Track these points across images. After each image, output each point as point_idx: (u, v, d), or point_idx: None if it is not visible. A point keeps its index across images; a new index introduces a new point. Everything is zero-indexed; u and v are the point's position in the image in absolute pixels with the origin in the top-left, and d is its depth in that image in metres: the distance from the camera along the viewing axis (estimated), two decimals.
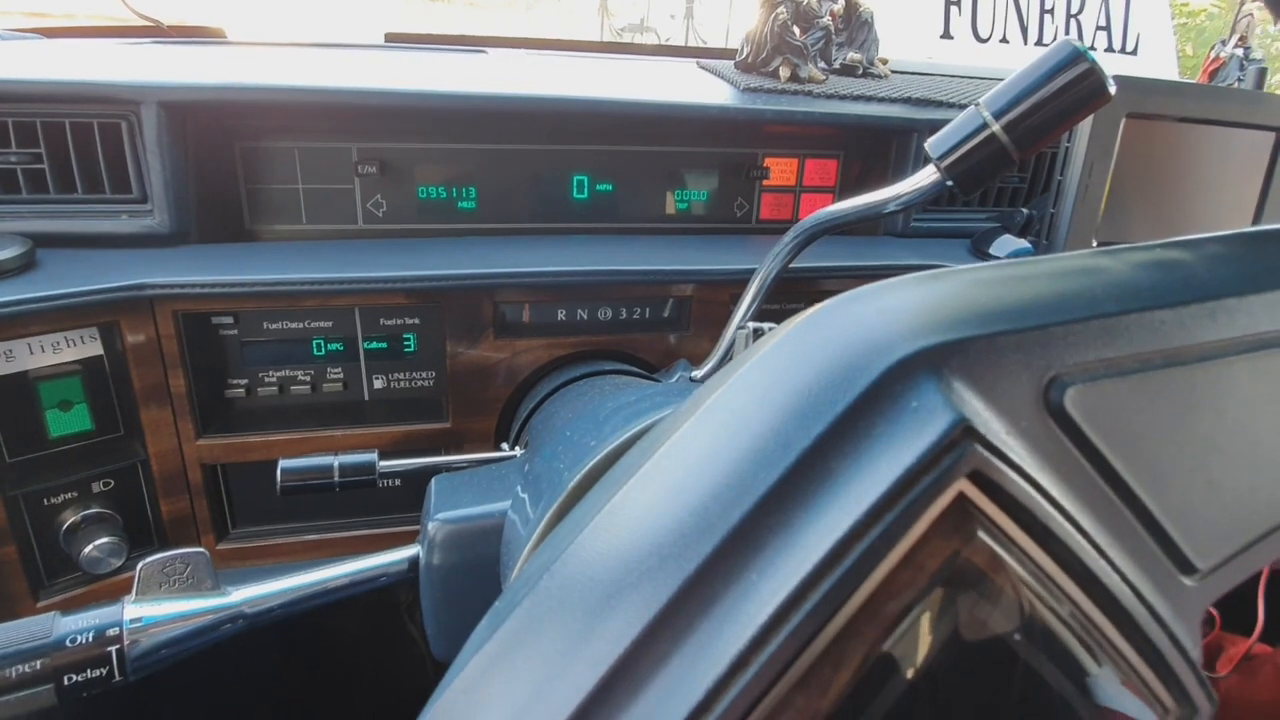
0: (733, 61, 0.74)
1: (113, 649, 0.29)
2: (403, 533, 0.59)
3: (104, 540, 0.48)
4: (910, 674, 0.15)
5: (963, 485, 0.15)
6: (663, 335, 0.60)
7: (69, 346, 0.47)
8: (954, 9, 0.90)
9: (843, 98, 0.69)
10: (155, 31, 0.83)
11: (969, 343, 0.16)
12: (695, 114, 0.65)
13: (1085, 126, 0.51)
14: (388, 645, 0.88)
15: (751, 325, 0.40)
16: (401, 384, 0.59)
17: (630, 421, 0.28)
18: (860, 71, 0.77)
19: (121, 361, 0.49)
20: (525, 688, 0.16)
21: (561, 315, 0.58)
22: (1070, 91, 0.35)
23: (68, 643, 0.29)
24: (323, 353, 0.57)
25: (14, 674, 0.27)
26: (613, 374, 0.51)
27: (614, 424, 0.29)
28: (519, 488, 0.34)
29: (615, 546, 0.16)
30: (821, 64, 0.73)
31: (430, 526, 0.34)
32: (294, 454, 0.54)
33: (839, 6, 0.78)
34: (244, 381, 0.55)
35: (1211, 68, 1.04)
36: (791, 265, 0.49)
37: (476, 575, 0.33)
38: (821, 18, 0.72)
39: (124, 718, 0.56)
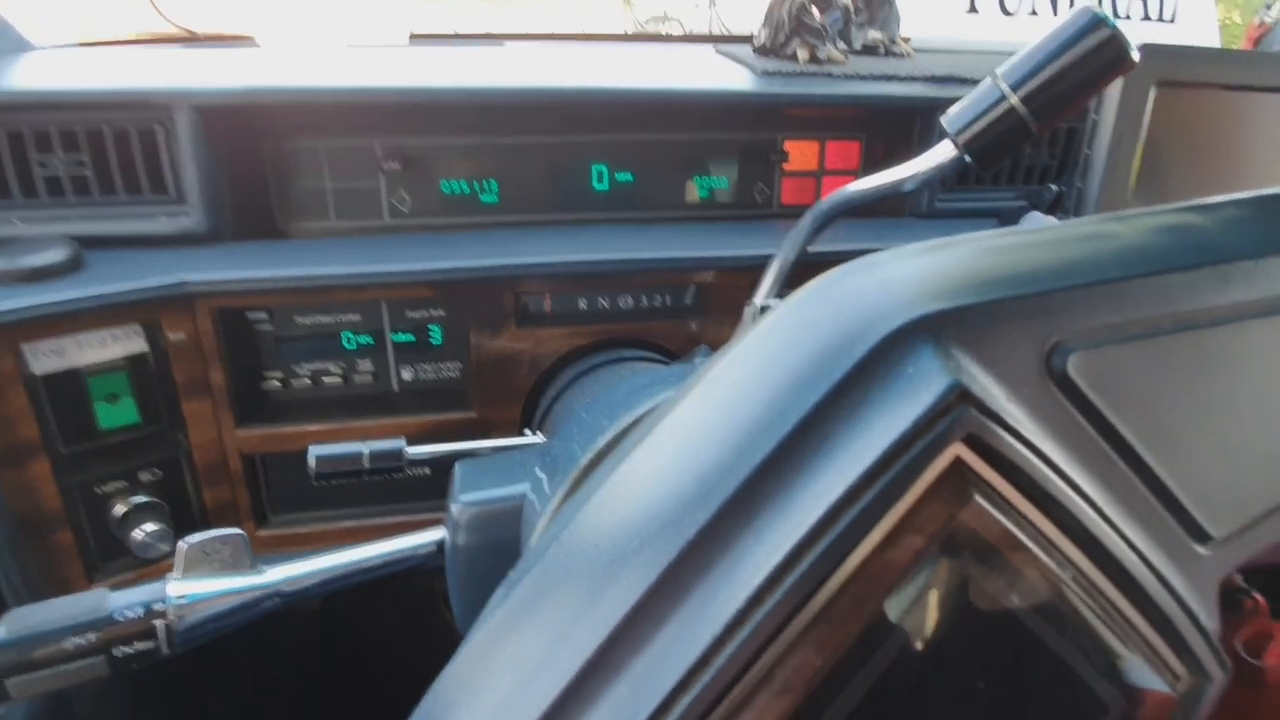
0: (750, 46, 0.74)
1: (159, 623, 0.31)
2: (432, 519, 0.60)
3: (152, 527, 0.50)
4: (908, 637, 0.15)
5: (959, 449, 0.15)
6: (684, 322, 0.60)
7: (115, 343, 0.50)
8: None
9: (863, 78, 0.68)
10: (187, 39, 0.85)
11: (967, 310, 0.16)
12: (713, 100, 0.64)
13: (1113, 97, 0.49)
14: (425, 633, 0.91)
15: (759, 303, 0.40)
16: (429, 375, 0.60)
17: (642, 400, 0.29)
18: (882, 51, 0.76)
19: (164, 356, 0.51)
20: (534, 650, 0.16)
21: (583, 304, 0.59)
22: (1090, 60, 0.34)
23: (117, 617, 0.30)
24: (353, 345, 0.58)
25: (71, 645, 0.29)
26: (633, 361, 0.52)
27: (628, 405, 0.30)
28: (538, 470, 0.35)
29: (619, 515, 0.17)
30: (841, 45, 0.72)
31: (454, 509, 0.35)
32: (328, 443, 0.56)
33: None
34: (279, 374, 0.57)
35: (1256, 34, 1.00)
36: (812, 249, 0.49)
37: (500, 555, 0.34)
38: None
39: (173, 692, 0.59)
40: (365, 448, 0.44)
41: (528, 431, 0.52)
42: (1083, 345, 0.17)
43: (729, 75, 0.69)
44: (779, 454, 0.15)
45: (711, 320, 0.60)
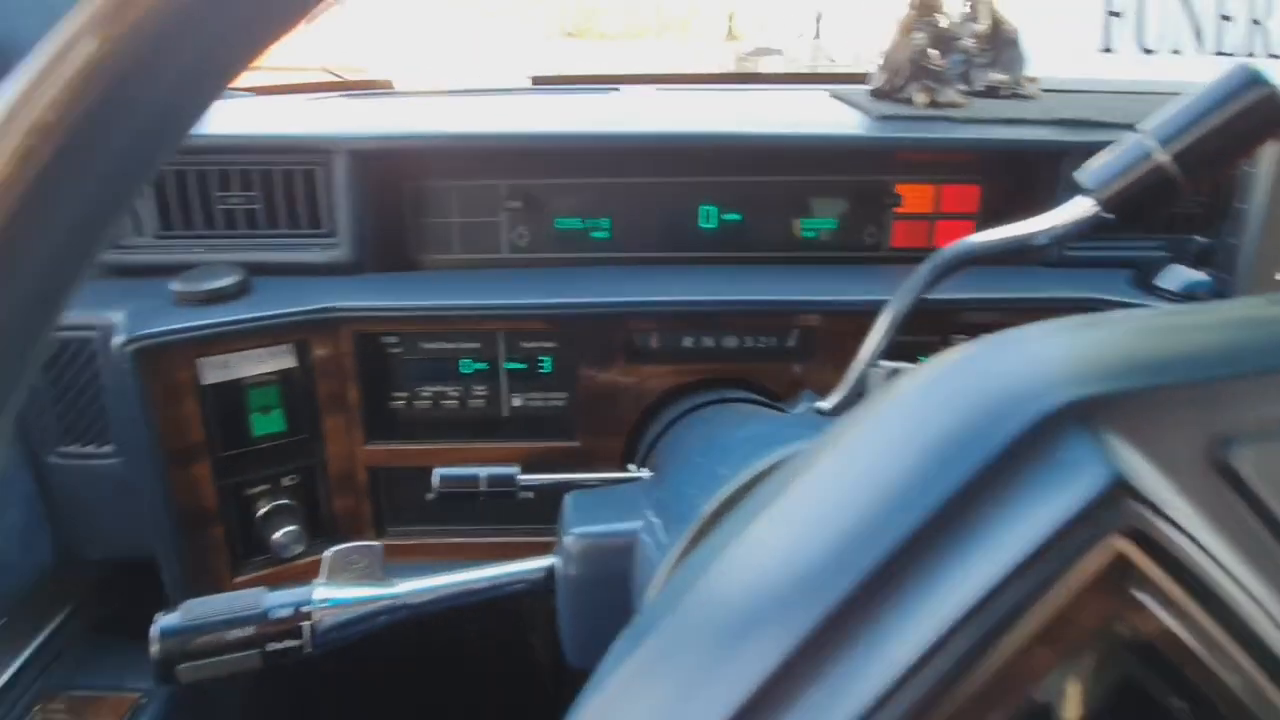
0: (867, 88, 0.74)
1: (305, 624, 0.34)
2: (533, 543, 0.62)
3: (290, 529, 0.55)
4: None
5: (1120, 543, 0.15)
6: (787, 365, 0.60)
7: (271, 359, 0.55)
8: (1116, 20, 0.84)
9: (984, 122, 0.66)
10: (338, 86, 0.95)
11: (1128, 395, 0.16)
12: (824, 144, 0.65)
13: (1271, 150, 0.46)
14: (507, 650, 0.93)
15: (886, 364, 0.39)
16: (537, 402, 0.63)
17: (761, 451, 0.29)
18: (1005, 93, 0.74)
19: (310, 373, 0.56)
20: (663, 705, 0.17)
21: (688, 342, 0.60)
22: (1246, 119, 0.33)
23: (271, 614, 0.34)
24: (469, 371, 0.62)
25: (231, 637, 0.33)
26: (738, 402, 0.52)
27: (744, 453, 0.30)
28: (649, 511, 0.36)
29: (753, 576, 0.18)
30: (962, 87, 0.70)
31: (567, 540, 0.36)
32: (443, 463, 0.60)
33: (983, 27, 0.75)
34: (404, 395, 0.62)
35: None
36: (928, 296, 0.48)
37: (609, 589, 0.36)
38: (961, 40, 0.70)
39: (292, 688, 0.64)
40: (483, 472, 0.46)
41: (632, 466, 0.53)
42: (1254, 439, 0.16)
43: (843, 119, 0.69)
44: (925, 528, 0.16)
45: (815, 364, 0.60)
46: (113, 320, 0.52)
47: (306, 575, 0.60)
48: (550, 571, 0.39)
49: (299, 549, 0.56)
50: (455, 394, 0.62)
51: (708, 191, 0.69)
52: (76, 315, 0.55)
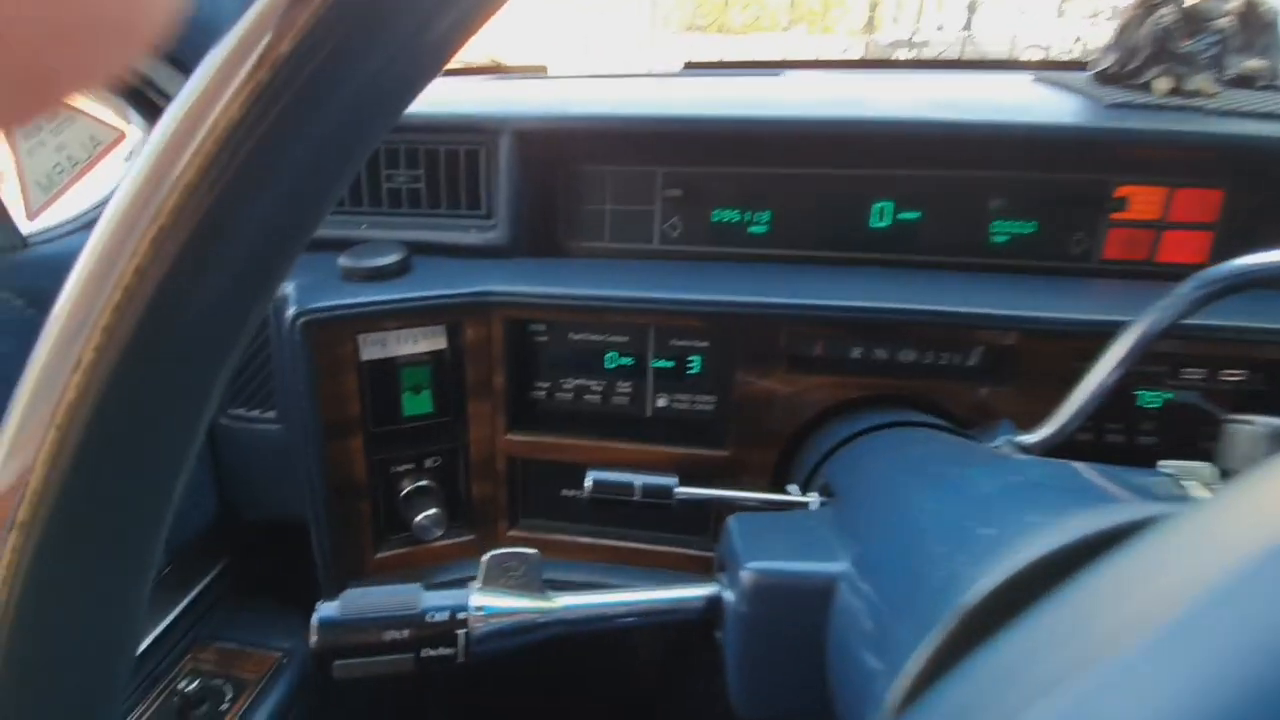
0: (1087, 73, 0.64)
1: (460, 632, 0.32)
2: (676, 554, 0.59)
3: (431, 512, 0.54)
4: None
5: None
6: (972, 387, 0.52)
7: (424, 339, 0.55)
8: None
9: (1240, 115, 0.55)
10: (495, 70, 0.95)
11: None
12: (1037, 134, 0.56)
13: None
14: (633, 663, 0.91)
15: (1259, 421, 0.30)
16: (682, 405, 0.59)
17: (1053, 512, 0.22)
18: (1261, 83, 0.61)
19: (460, 356, 0.56)
20: None
21: (857, 353, 0.54)
22: None
23: (428, 618, 0.32)
24: (614, 366, 0.59)
25: (387, 638, 0.31)
26: (924, 427, 0.46)
27: (1020, 511, 0.24)
28: (843, 554, 0.31)
29: None
30: (1213, 73, 0.59)
31: (743, 575, 0.32)
32: (583, 459, 0.58)
33: (1235, 4, 0.63)
34: (546, 385, 0.60)
35: None
36: (1187, 322, 0.39)
37: (793, 636, 0.31)
38: (1216, 19, 0.58)
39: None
40: (638, 480, 0.43)
41: (793, 488, 0.48)
42: None
43: (1057, 105, 0.60)
44: None
45: (1008, 388, 0.52)
46: (286, 292, 0.54)
47: (444, 558, 0.60)
48: (711, 601, 0.35)
49: (438, 532, 0.55)
50: (598, 388, 0.60)
51: (883, 186, 0.62)
52: None
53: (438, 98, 0.67)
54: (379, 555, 0.58)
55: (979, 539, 0.23)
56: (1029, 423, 0.47)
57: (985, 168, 0.60)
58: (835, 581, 0.30)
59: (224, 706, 0.56)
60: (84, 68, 0.11)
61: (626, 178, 0.64)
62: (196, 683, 0.56)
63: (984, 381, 0.53)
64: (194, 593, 0.61)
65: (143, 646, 0.57)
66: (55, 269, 0.56)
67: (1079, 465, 0.29)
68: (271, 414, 0.59)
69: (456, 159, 0.59)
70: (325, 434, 0.53)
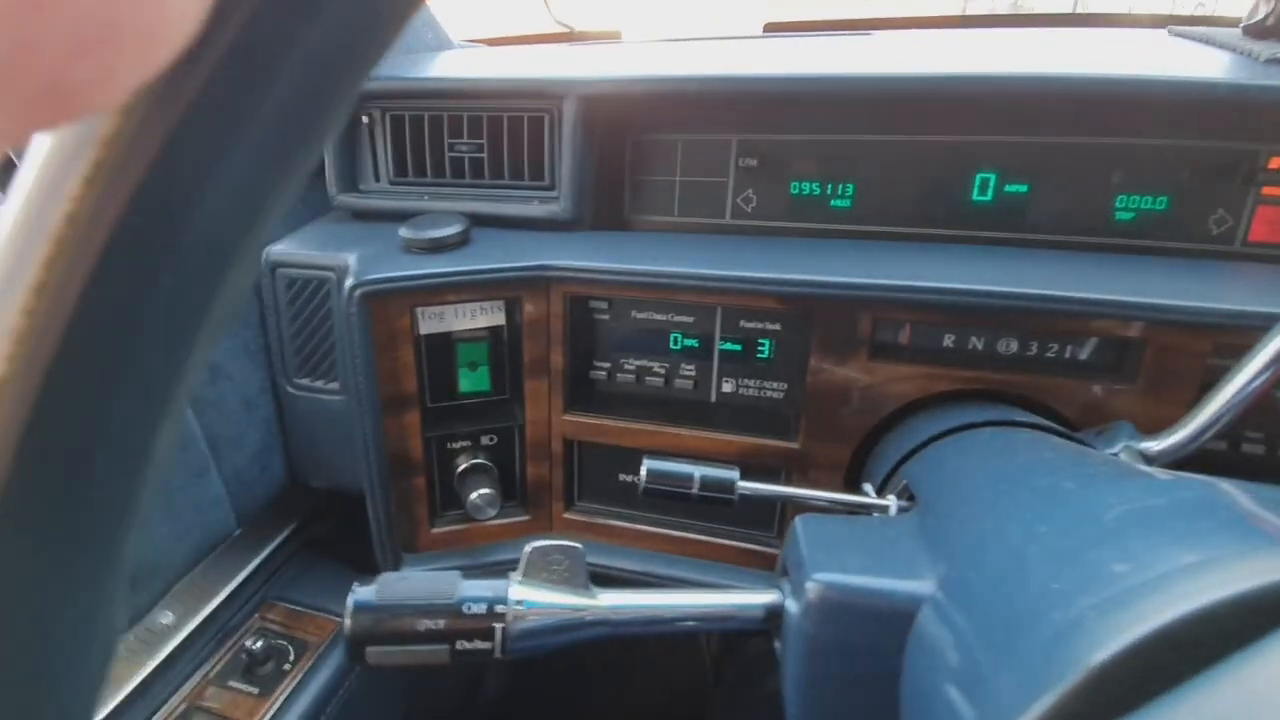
0: (1237, 27, 0.55)
1: (498, 626, 0.30)
2: (729, 546, 0.56)
3: (485, 491, 0.53)
4: None
5: None
6: (1085, 383, 0.46)
7: (482, 315, 0.53)
8: None
9: None
10: (567, 37, 0.92)
11: None
12: (1172, 92, 0.48)
13: None
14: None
15: None
16: (750, 391, 0.55)
17: (1211, 549, 0.17)
18: None
19: (517, 333, 0.54)
20: None
21: (949, 341, 0.49)
22: None
23: (465, 609, 0.30)
24: (679, 347, 0.56)
25: (422, 628, 0.29)
26: (1028, 428, 0.40)
27: (1164, 544, 0.19)
28: (928, 573, 0.27)
29: None
30: None
31: (810, 586, 0.28)
32: (643, 445, 0.55)
33: None
34: (607, 365, 0.57)
35: None
36: None
37: (858, 661, 0.27)
38: None
39: None
40: (698, 471, 0.40)
41: (868, 488, 0.43)
42: None
43: (1197, 60, 0.51)
44: None
45: (1127, 387, 0.45)
46: (348, 262, 0.53)
47: (498, 537, 0.59)
48: (771, 610, 0.32)
49: (492, 512, 0.54)
50: (661, 371, 0.57)
51: (985, 154, 0.55)
52: (319, 255, 0.57)
53: (503, 64, 0.65)
54: (434, 530, 0.57)
55: (1108, 577, 0.18)
56: (1151, 428, 0.41)
57: (1108, 133, 0.52)
58: (918, 604, 0.26)
59: (286, 666, 0.58)
60: (108, 79, 0.09)
61: (698, 146, 0.60)
62: (262, 642, 0.57)
63: (1099, 378, 0.46)
64: (264, 553, 0.63)
65: (215, 603, 0.59)
66: None
67: (1231, 486, 0.24)
68: (335, 385, 0.59)
69: (520, 127, 0.57)
70: (383, 408, 0.53)
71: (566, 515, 0.59)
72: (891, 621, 0.27)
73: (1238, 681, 0.12)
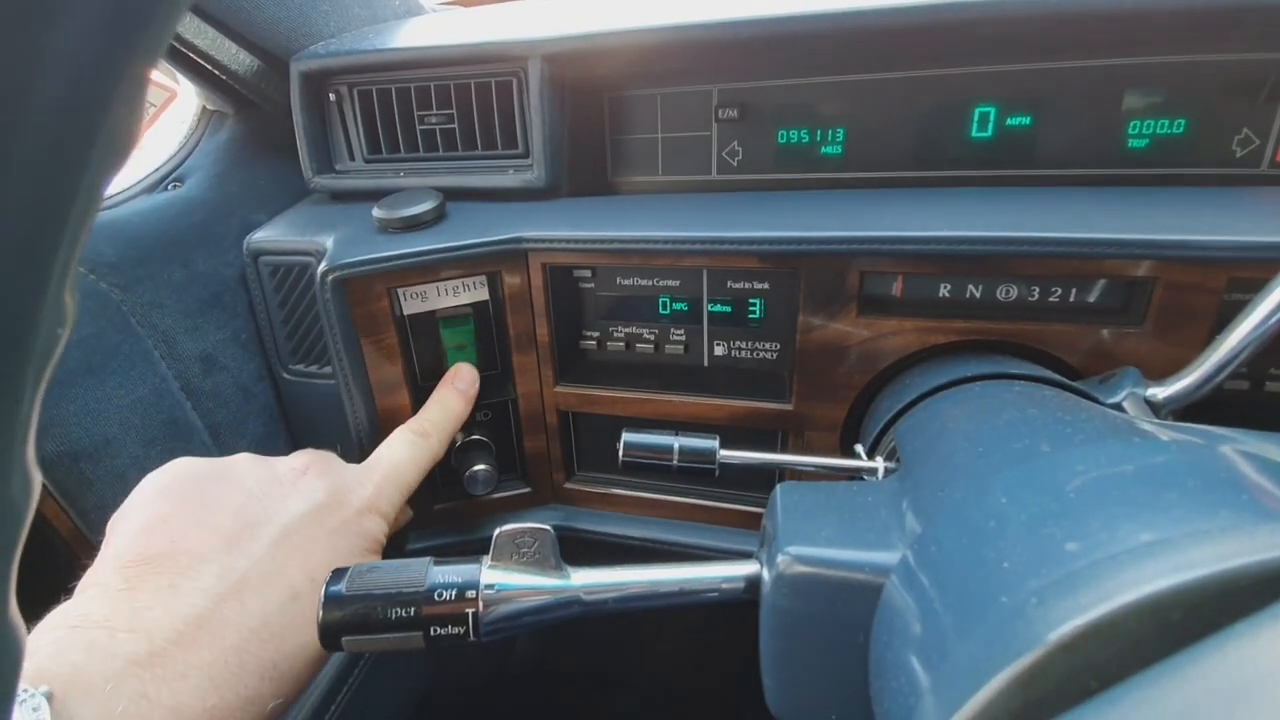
0: None
1: (469, 611, 0.30)
2: (732, 510, 0.55)
3: (482, 467, 0.53)
4: None
5: None
6: (1092, 328, 0.44)
7: (465, 291, 0.52)
8: None
9: None
10: None
11: None
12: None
13: None
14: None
15: None
16: (742, 353, 0.54)
17: (1181, 524, 0.16)
18: None
19: (501, 307, 0.53)
20: None
21: (945, 291, 0.46)
22: None
23: (435, 595, 0.30)
24: (668, 312, 0.54)
25: (393, 615, 0.29)
26: (1025, 380, 0.38)
27: (1127, 519, 0.17)
28: (899, 541, 0.26)
29: None
30: None
31: (780, 559, 0.28)
32: (636, 412, 0.54)
33: None
34: (596, 334, 0.56)
35: None
36: None
37: (833, 632, 0.26)
38: None
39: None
40: (676, 442, 0.39)
41: (859, 449, 0.42)
42: None
43: None
44: None
45: (1136, 329, 0.43)
46: (327, 245, 0.52)
47: (502, 510, 0.59)
48: (751, 582, 0.31)
49: (489, 487, 0.54)
50: (650, 337, 0.55)
51: (984, 86, 0.51)
52: (299, 240, 0.57)
53: (469, 28, 0.63)
54: (437, 507, 0.58)
55: (1059, 557, 0.17)
56: (1161, 372, 0.38)
57: (1117, 51, 0.48)
58: (886, 575, 0.25)
59: None
60: None
61: (676, 100, 0.57)
62: None
63: (1105, 322, 0.43)
64: None
65: None
66: (117, 235, 0.58)
67: (1229, 446, 0.22)
68: (329, 369, 0.59)
69: (488, 94, 0.55)
70: (372, 390, 0.53)
71: (568, 485, 0.59)
72: (862, 593, 0.26)
73: (1176, 686, 0.10)
